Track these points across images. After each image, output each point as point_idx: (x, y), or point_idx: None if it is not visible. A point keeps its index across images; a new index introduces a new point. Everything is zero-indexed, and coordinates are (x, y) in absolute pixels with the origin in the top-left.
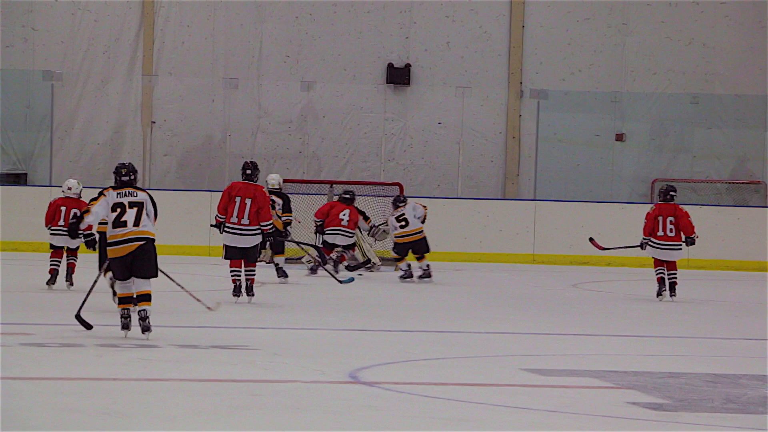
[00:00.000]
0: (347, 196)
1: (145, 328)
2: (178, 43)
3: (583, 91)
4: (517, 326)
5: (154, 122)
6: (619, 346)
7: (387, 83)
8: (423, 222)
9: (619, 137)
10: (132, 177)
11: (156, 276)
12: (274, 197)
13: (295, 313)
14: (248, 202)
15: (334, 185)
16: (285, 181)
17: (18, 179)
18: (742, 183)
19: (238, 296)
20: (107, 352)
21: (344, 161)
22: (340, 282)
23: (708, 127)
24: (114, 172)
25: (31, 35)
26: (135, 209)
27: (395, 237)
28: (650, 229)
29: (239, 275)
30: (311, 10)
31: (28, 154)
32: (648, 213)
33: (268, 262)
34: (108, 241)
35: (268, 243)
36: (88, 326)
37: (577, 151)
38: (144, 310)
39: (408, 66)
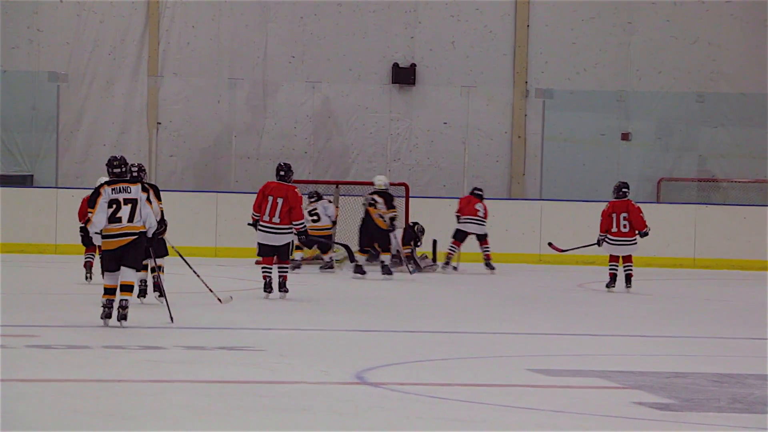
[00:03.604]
0: (479, 192)
1: (122, 317)
2: (184, 44)
3: (588, 91)
4: (523, 326)
5: (159, 123)
6: (625, 346)
7: (392, 83)
8: (335, 223)
9: (625, 136)
10: (123, 169)
11: (139, 270)
12: (375, 197)
13: (300, 314)
14: (280, 201)
15: (339, 185)
16: None
17: (24, 181)
18: (748, 182)
19: (269, 292)
20: (113, 354)
21: (350, 161)
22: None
23: (713, 125)
24: (106, 165)
25: (36, 36)
26: (129, 206)
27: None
28: (606, 226)
29: (270, 272)
30: (316, 10)
31: (34, 155)
32: (603, 211)
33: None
34: (102, 234)
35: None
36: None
37: (582, 151)
38: (125, 299)
39: (413, 66)
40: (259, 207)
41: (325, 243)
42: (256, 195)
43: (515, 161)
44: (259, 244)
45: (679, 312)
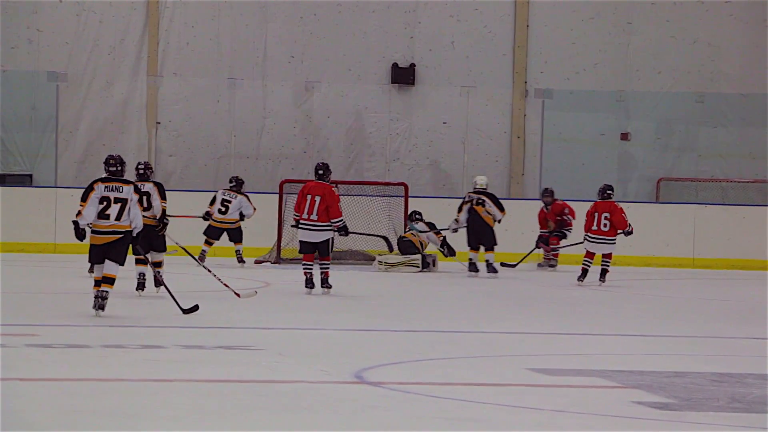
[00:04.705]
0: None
1: (100, 306)
2: (183, 44)
3: (588, 91)
4: (523, 326)
5: (159, 123)
6: (625, 345)
7: (392, 83)
8: (242, 219)
9: (624, 136)
10: (119, 168)
11: (123, 265)
12: (482, 196)
13: (300, 314)
14: (317, 199)
15: (339, 185)
16: (287, 181)
17: (23, 180)
18: (748, 182)
19: (311, 288)
20: (112, 353)
21: (349, 161)
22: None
23: (713, 125)
24: (104, 163)
25: (35, 36)
26: (119, 205)
27: (212, 218)
28: (588, 224)
29: (311, 269)
30: (316, 10)
31: (33, 155)
32: (588, 211)
33: (273, 263)
34: (92, 229)
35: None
36: (195, 308)
37: (582, 151)
38: (105, 291)
39: (413, 66)
40: (299, 207)
41: (236, 233)
42: (256, 194)
43: (514, 161)
44: (300, 241)
45: (678, 311)
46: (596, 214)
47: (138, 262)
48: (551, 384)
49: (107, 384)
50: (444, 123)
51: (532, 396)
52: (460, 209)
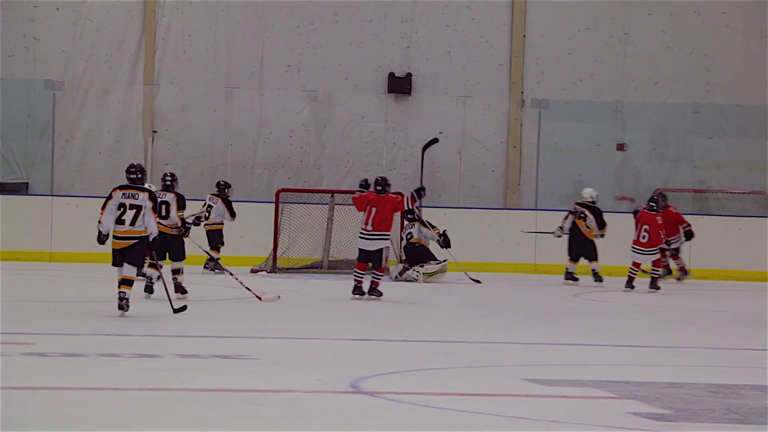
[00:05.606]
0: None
1: (121, 307)
2: (180, 53)
3: (584, 101)
4: (519, 336)
5: (155, 131)
6: (621, 356)
7: (388, 92)
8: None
9: (620, 147)
10: (139, 175)
11: (140, 267)
12: (586, 211)
13: (296, 323)
14: (373, 210)
15: (335, 195)
16: (283, 190)
17: (19, 189)
18: (744, 193)
19: (360, 296)
20: (108, 362)
21: (345, 171)
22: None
23: (709, 136)
24: (125, 171)
25: (32, 44)
26: (134, 211)
27: (204, 225)
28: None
29: (362, 277)
30: (313, 19)
31: (30, 163)
32: (635, 219)
33: (269, 272)
34: (112, 234)
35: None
36: (183, 308)
37: (578, 161)
38: (124, 292)
39: (409, 75)
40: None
41: (215, 237)
42: (252, 203)
43: (511, 171)
44: (359, 249)
45: (674, 322)
46: (639, 224)
47: (150, 266)
48: (547, 394)
49: (103, 393)
50: (440, 133)
51: (528, 406)
52: (565, 218)
